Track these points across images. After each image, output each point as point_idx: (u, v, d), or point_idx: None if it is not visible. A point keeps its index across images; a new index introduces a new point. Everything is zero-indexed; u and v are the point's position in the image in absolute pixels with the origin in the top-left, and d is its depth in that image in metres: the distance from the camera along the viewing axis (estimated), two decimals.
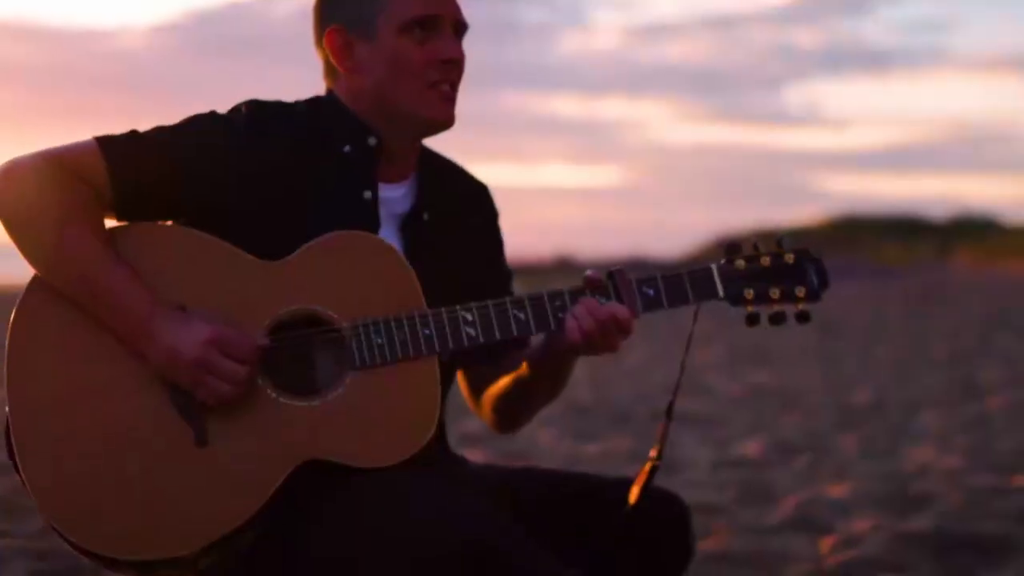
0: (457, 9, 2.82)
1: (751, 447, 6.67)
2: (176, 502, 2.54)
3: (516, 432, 3.06)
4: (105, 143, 2.65)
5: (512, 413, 2.96)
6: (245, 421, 2.58)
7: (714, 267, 2.80)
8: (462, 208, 2.94)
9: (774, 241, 2.86)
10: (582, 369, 10.49)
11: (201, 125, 2.71)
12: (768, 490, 5.47)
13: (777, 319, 2.84)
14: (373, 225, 2.76)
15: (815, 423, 7.64)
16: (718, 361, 11.55)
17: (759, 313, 2.83)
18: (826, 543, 4.43)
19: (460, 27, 2.82)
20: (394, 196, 2.83)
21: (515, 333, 2.73)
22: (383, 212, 2.80)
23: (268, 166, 2.71)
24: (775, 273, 2.83)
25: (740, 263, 2.81)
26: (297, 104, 2.83)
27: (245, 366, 2.56)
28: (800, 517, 4.86)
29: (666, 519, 2.92)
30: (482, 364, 2.89)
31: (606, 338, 2.74)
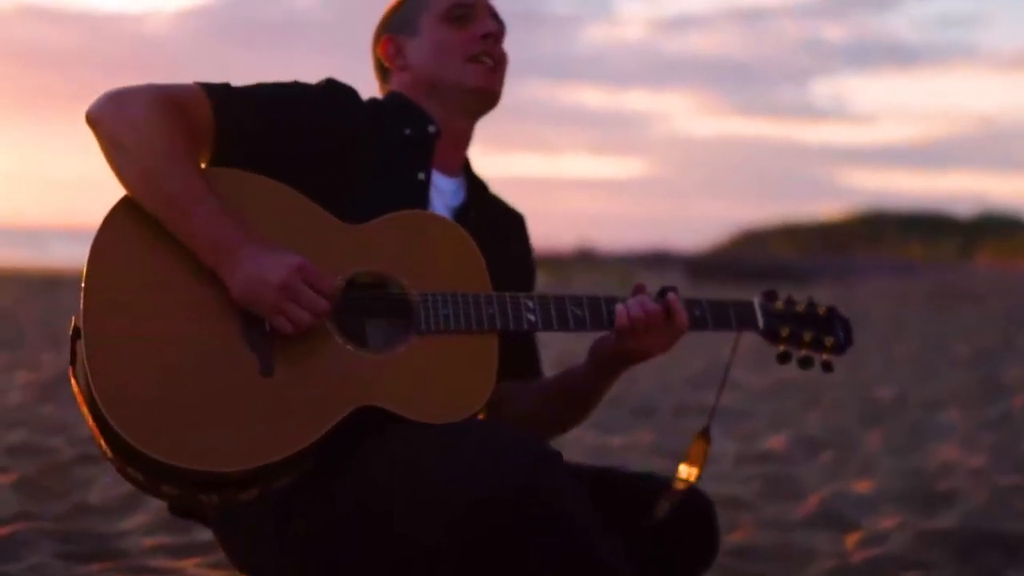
0: (489, 2, 3.07)
1: (776, 442, 6.66)
2: (234, 421, 2.59)
3: None
4: (208, 88, 2.79)
5: (544, 425, 3.10)
6: (310, 360, 2.66)
7: (755, 301, 3.03)
8: (504, 225, 3.12)
9: (807, 298, 3.10)
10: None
11: (294, 86, 2.89)
12: (793, 485, 5.46)
13: (805, 363, 3.05)
14: (423, 204, 2.92)
15: (839, 419, 7.62)
16: (743, 356, 11.53)
17: (791, 353, 3.03)
18: (851, 539, 4.42)
19: (494, 16, 3.07)
20: (447, 188, 3.00)
21: (571, 327, 2.86)
22: (436, 200, 2.96)
23: (347, 135, 2.87)
24: (808, 320, 3.05)
25: (779, 304, 3.04)
26: (374, 97, 3.05)
27: (325, 300, 2.64)
28: (825, 513, 4.85)
29: (691, 514, 2.96)
30: (506, 377, 2.93)
31: (651, 328, 2.86)
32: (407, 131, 2.96)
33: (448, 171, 3.03)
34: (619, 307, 2.87)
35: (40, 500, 4.48)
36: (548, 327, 2.84)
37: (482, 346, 2.78)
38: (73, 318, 2.65)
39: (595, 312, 2.88)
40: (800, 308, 3.05)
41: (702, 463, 2.98)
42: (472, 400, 2.74)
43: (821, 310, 3.06)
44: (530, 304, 2.83)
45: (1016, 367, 10.60)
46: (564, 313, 2.86)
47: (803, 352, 3.03)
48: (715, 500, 4.52)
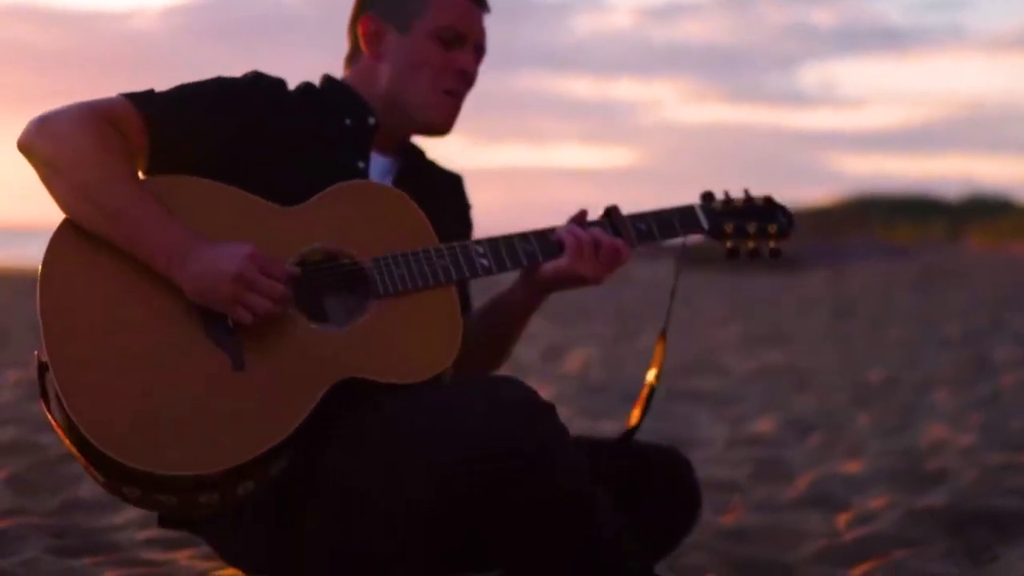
0: (483, 34, 3.09)
1: (766, 425, 6.67)
2: (218, 422, 2.60)
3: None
4: (135, 98, 2.78)
5: (460, 367, 2.96)
6: (279, 346, 2.67)
7: (696, 205, 3.11)
8: (439, 194, 3.13)
9: (743, 191, 3.19)
10: (596, 349, 10.50)
11: (219, 83, 2.88)
12: (783, 467, 5.47)
13: (754, 254, 3.15)
14: None
15: (829, 401, 7.63)
16: (733, 341, 11.55)
17: (738, 248, 3.14)
18: (841, 519, 4.43)
19: (480, 51, 3.09)
20: (383, 166, 3.05)
21: (524, 263, 2.92)
22: (374, 175, 3.01)
23: (279, 128, 2.88)
24: (750, 212, 3.16)
25: (717, 204, 3.14)
26: (308, 83, 3.05)
27: (282, 285, 2.65)
28: (815, 494, 4.86)
29: (671, 474, 3.05)
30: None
31: (596, 247, 2.94)
32: (347, 121, 3.00)
33: (384, 151, 3.08)
34: (563, 230, 2.94)
35: (31, 496, 4.48)
36: (502, 268, 2.89)
37: (442, 298, 2.81)
38: (36, 353, 2.64)
39: (544, 243, 2.94)
40: (739, 203, 3.15)
41: (661, 365, 3.07)
42: (445, 352, 2.76)
43: (760, 201, 3.18)
44: (480, 249, 2.87)
45: (1005, 347, 10.62)
46: (515, 251, 2.91)
47: (750, 244, 3.14)
48: (706, 483, 4.55)
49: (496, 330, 3.14)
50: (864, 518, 4.42)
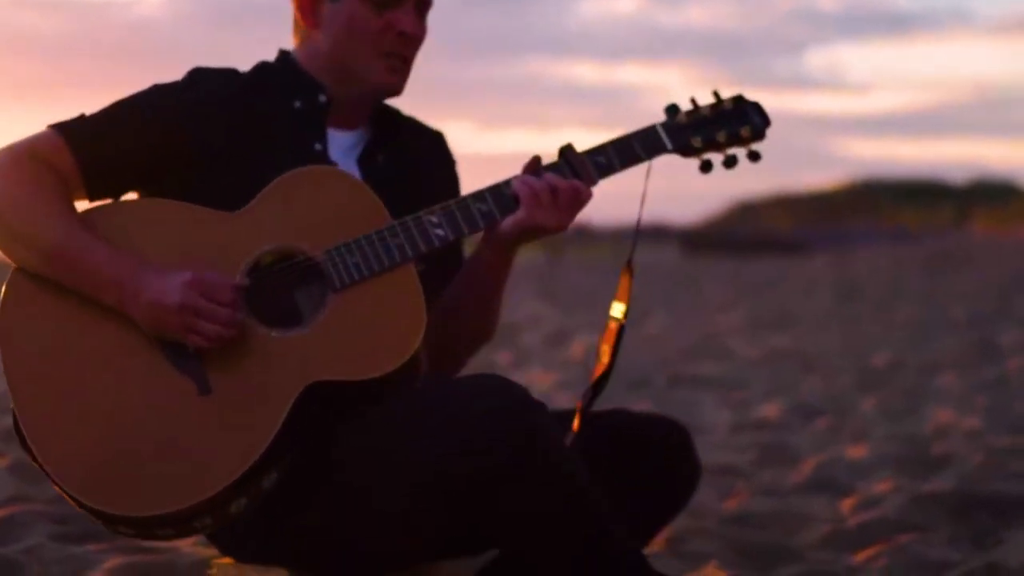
0: None
1: (771, 409, 6.67)
2: (192, 450, 2.56)
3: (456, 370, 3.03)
4: (62, 128, 2.73)
5: (443, 344, 2.93)
6: (241, 362, 2.62)
7: (658, 125, 2.88)
8: (417, 154, 2.99)
9: (712, 93, 2.94)
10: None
11: (151, 96, 2.79)
12: (788, 452, 5.46)
13: (730, 162, 2.91)
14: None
15: (834, 385, 7.63)
16: (738, 325, 11.55)
17: (711, 160, 2.90)
18: (846, 504, 4.43)
19: (424, 4, 2.89)
20: (347, 142, 2.90)
21: (482, 225, 2.78)
22: (337, 154, 2.86)
23: (219, 125, 2.78)
24: (718, 119, 2.91)
25: (682, 117, 2.89)
26: (247, 70, 2.91)
27: (229, 307, 2.60)
28: (820, 478, 4.85)
29: (670, 443, 3.00)
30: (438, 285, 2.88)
31: (553, 194, 2.77)
32: (296, 104, 2.86)
33: (348, 126, 2.93)
34: (517, 181, 2.78)
35: (35, 483, 4.47)
36: (459, 234, 2.76)
37: (402, 280, 2.70)
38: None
39: (499, 199, 2.79)
40: (706, 112, 2.91)
41: (628, 298, 2.92)
42: (409, 336, 2.66)
43: (728, 104, 2.93)
44: (434, 219, 2.73)
45: (1011, 331, 10.61)
46: (470, 213, 2.77)
47: (724, 152, 2.91)
48: (711, 469, 4.55)
49: (471, 296, 2.95)
50: (869, 503, 4.42)
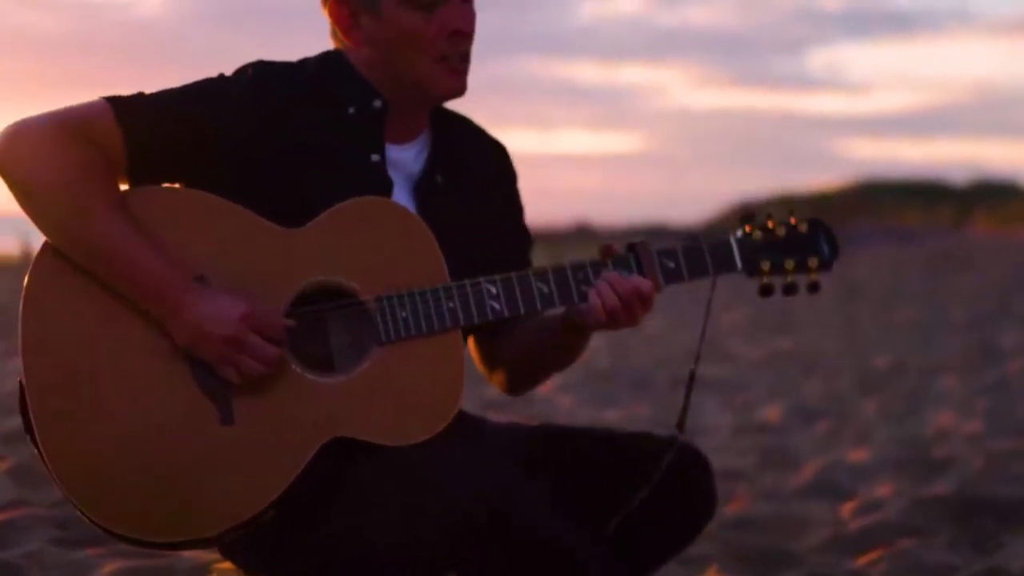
0: None
1: (772, 412, 6.66)
2: (200, 484, 2.52)
3: (526, 393, 3.03)
4: (116, 104, 2.59)
5: (525, 377, 2.95)
6: (270, 399, 2.55)
7: (732, 239, 2.82)
8: (478, 169, 2.88)
9: (787, 210, 2.88)
10: (602, 336, 10.47)
11: (210, 87, 2.66)
12: (789, 455, 5.46)
13: (790, 289, 2.86)
14: (384, 188, 2.71)
15: (836, 388, 7.63)
16: (739, 327, 11.53)
17: (773, 284, 2.85)
18: (847, 508, 4.43)
19: None
20: (405, 157, 2.77)
21: (539, 307, 2.70)
22: (395, 173, 2.74)
23: (276, 127, 2.66)
24: (789, 244, 2.86)
25: (757, 234, 2.84)
26: (306, 63, 2.77)
27: (276, 346, 2.54)
28: (821, 482, 4.85)
29: (689, 474, 2.94)
30: (497, 330, 2.86)
31: (629, 314, 2.73)
32: (350, 110, 2.71)
33: (405, 138, 2.78)
34: (594, 299, 2.70)
35: (35, 487, 4.47)
36: (514, 311, 2.68)
37: (447, 346, 2.64)
38: (19, 379, 2.54)
39: (563, 287, 2.72)
40: (780, 232, 2.86)
41: (686, 408, 2.90)
42: (442, 413, 2.61)
43: (803, 227, 2.88)
44: (493, 290, 2.66)
45: (1012, 332, 10.60)
46: (530, 291, 2.69)
47: (787, 279, 2.87)
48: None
49: (535, 344, 2.90)
50: (870, 507, 4.41)
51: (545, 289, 2.71)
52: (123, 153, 2.59)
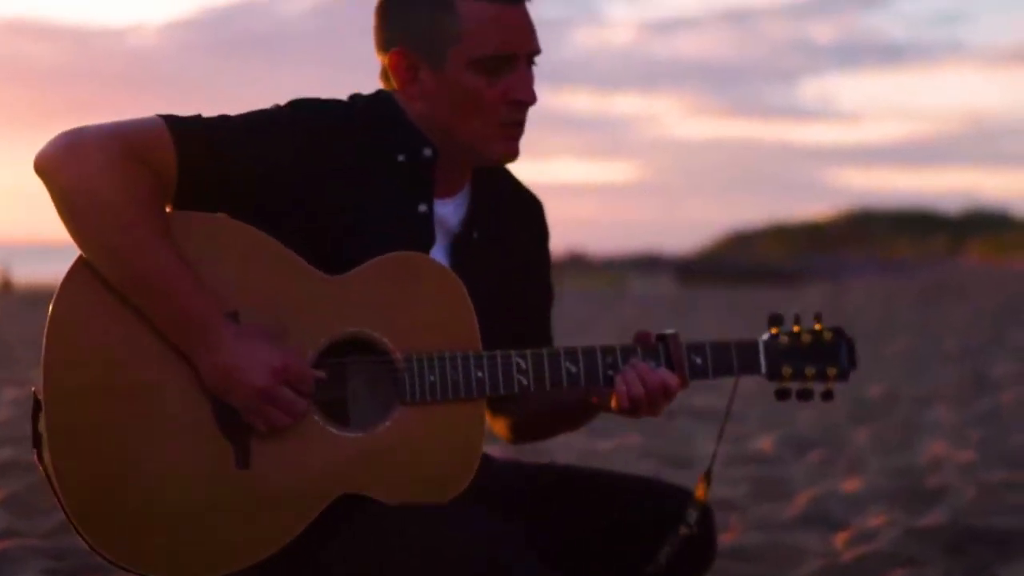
0: (532, 39, 2.71)
1: (765, 442, 6.67)
2: (208, 524, 2.51)
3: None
4: (173, 126, 2.54)
5: (529, 434, 3.02)
6: (289, 448, 2.54)
7: (760, 342, 2.86)
8: (513, 225, 2.89)
9: (813, 316, 2.94)
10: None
11: (266, 123, 2.62)
12: (782, 485, 5.47)
13: (804, 395, 2.89)
14: (427, 240, 2.70)
15: (828, 418, 7.63)
16: None
17: (790, 389, 2.89)
18: (840, 538, 4.43)
19: (533, 53, 2.71)
20: (446, 212, 2.76)
21: (565, 385, 2.72)
22: (437, 229, 2.73)
23: (327, 170, 2.62)
24: (813, 352, 2.90)
25: (784, 339, 2.88)
26: (356, 101, 2.73)
27: (306, 399, 2.53)
28: (814, 512, 4.86)
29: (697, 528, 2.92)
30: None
31: (652, 404, 2.76)
32: (400, 157, 2.68)
33: (447, 192, 2.76)
34: (620, 386, 2.73)
35: (28, 517, 4.47)
36: (540, 388, 2.69)
37: (469, 414, 2.64)
38: (34, 391, 2.53)
39: (591, 369, 2.73)
40: (807, 339, 2.90)
41: (703, 504, 2.91)
42: (456, 482, 2.62)
43: (827, 335, 2.92)
44: (522, 364, 2.67)
45: (1005, 363, 10.62)
46: (558, 369, 2.70)
47: (804, 385, 2.90)
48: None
49: (547, 409, 2.94)
50: (863, 537, 4.42)
51: (573, 369, 2.72)
52: (174, 178, 2.54)
